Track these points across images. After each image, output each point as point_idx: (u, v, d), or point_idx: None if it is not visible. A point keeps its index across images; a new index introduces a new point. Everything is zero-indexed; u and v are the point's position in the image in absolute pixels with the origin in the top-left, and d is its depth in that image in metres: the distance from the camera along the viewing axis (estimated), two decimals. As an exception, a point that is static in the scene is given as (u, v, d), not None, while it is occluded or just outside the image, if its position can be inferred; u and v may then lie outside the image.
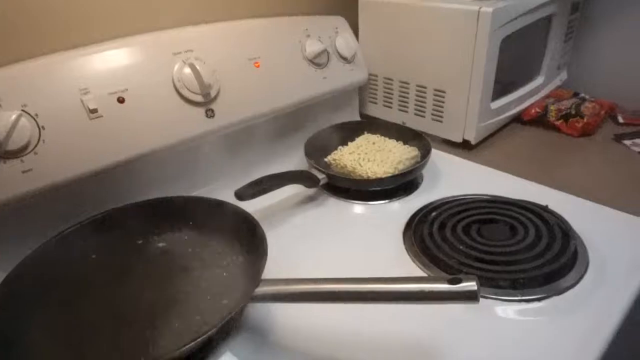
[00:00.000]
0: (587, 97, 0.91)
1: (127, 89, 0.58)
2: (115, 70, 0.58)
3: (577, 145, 0.82)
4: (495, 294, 0.49)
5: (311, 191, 0.70)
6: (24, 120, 0.51)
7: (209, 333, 0.39)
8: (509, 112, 0.86)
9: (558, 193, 0.66)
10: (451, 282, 0.37)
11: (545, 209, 0.61)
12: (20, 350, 0.42)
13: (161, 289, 0.50)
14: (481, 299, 0.48)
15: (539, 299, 0.49)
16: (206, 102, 0.64)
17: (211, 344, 0.45)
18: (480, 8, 0.69)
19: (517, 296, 0.49)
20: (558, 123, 0.86)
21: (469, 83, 0.76)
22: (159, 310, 0.47)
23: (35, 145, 0.52)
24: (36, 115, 0.52)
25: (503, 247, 0.55)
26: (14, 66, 0.53)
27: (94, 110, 0.55)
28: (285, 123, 0.77)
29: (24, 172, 0.51)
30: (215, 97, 0.65)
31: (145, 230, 0.56)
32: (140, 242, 0.56)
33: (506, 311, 0.48)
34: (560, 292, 0.50)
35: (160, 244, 0.56)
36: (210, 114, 0.65)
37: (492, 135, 0.86)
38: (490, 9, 0.69)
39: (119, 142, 0.57)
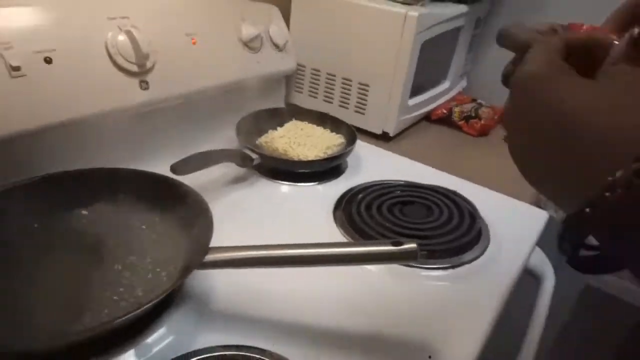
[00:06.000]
0: (483, 102, 1.05)
1: (55, 50, 0.54)
2: (43, 28, 0.53)
3: (476, 143, 0.94)
4: (416, 263, 0.56)
5: (242, 172, 0.71)
6: None
7: (155, 301, 0.39)
8: (421, 110, 0.96)
9: (464, 181, 0.75)
10: (394, 244, 0.41)
11: (455, 193, 0.69)
12: None
13: (95, 260, 0.48)
14: (402, 267, 0.55)
15: (451, 267, 0.56)
16: (141, 72, 0.62)
17: (148, 318, 0.44)
18: (407, 12, 0.77)
19: (433, 265, 0.56)
20: (461, 123, 0.97)
21: (392, 79, 0.83)
22: (94, 279, 0.45)
23: (-54, 100, 0.47)
24: (-52, 67, 0.47)
25: (422, 225, 0.62)
26: None
27: (17, 68, 0.51)
28: (216, 103, 0.77)
29: None
30: (151, 69, 0.63)
31: (75, 200, 0.53)
32: (71, 212, 0.53)
33: (422, 277, 0.55)
34: (467, 262, 0.58)
35: (91, 215, 0.53)
36: (144, 85, 0.63)
37: (406, 130, 0.94)
38: (415, 14, 0.76)
39: (45, 104, 0.53)
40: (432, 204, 0.66)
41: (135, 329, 0.42)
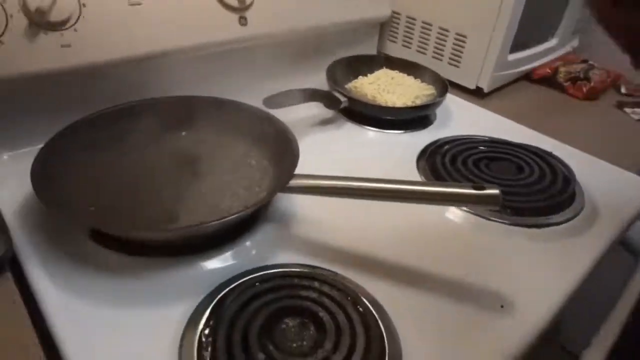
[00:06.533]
0: (596, 64, 0.95)
1: (167, -20, 0.58)
2: (158, -42, 0.57)
3: (581, 107, 0.87)
4: (501, 218, 0.54)
5: (329, 114, 0.72)
6: (67, -7, 0.50)
7: (246, 211, 0.42)
8: (522, 67, 0.89)
9: (562, 144, 0.70)
10: (476, 188, 0.40)
11: (550, 154, 0.65)
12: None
13: (192, 174, 0.53)
14: (486, 221, 0.54)
15: (536, 226, 0.54)
16: (241, 8, 0.64)
17: (235, 231, 0.47)
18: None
19: (518, 222, 0.54)
20: (566, 84, 0.89)
21: (492, 31, 0.77)
22: (192, 190, 0.50)
23: (76, 21, 0.52)
24: (79, -10, 0.52)
25: (510, 181, 0.59)
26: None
27: (135, -4, 0.55)
28: (309, 45, 0.78)
29: (62, 46, 0.52)
30: (250, 5, 0.65)
31: (180, 123, 0.58)
32: (177, 134, 0.58)
33: (506, 232, 0.53)
34: (555, 224, 0.54)
35: (193, 136, 0.58)
36: (243, 21, 0.65)
37: (502, 87, 0.89)
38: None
39: (155, 32, 0.58)
40: (522, 162, 0.63)
41: (222, 239, 0.46)
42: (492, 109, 0.80)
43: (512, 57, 0.84)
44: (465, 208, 0.55)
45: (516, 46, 0.83)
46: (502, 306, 0.43)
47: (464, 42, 0.83)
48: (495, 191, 0.40)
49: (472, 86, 0.84)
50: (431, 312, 0.42)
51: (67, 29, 0.52)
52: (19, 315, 0.38)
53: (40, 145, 0.47)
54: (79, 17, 0.52)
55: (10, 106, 0.53)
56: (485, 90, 0.83)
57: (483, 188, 0.41)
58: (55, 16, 0.50)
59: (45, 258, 0.43)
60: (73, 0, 0.51)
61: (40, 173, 0.44)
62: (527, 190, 0.58)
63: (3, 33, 0.47)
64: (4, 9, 0.47)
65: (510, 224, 0.54)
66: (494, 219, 0.54)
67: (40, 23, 0.49)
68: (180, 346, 0.36)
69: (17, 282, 0.41)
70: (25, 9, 0.48)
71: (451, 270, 0.46)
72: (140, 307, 0.40)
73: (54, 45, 0.51)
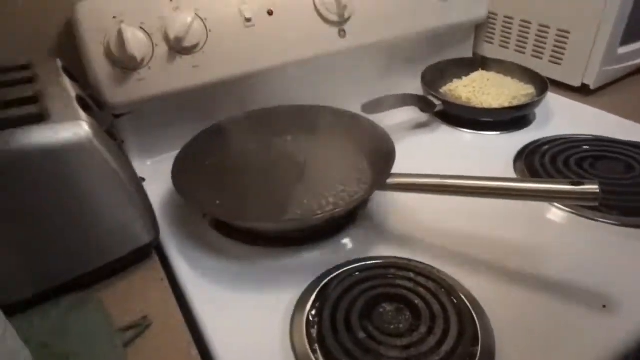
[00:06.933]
0: None
1: (275, 3, 0.65)
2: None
3: None
4: (607, 219, 0.52)
5: (425, 117, 0.74)
6: (197, 22, 0.60)
7: (347, 207, 0.47)
8: (636, 60, 0.83)
9: (681, 142, 0.65)
10: (573, 184, 0.41)
11: (665, 152, 0.61)
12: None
13: (297, 174, 0.59)
14: (590, 221, 0.52)
15: (644, 228, 0.51)
16: (340, 22, 0.70)
17: (336, 226, 0.52)
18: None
19: (628, 224, 0.52)
20: (690, 76, 0.82)
21: (599, 21, 0.74)
22: (297, 189, 0.56)
23: (204, 45, 0.61)
24: (205, 19, 0.61)
25: (617, 180, 0.57)
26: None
27: (249, 20, 0.63)
28: (405, 51, 0.81)
29: (193, 67, 0.61)
30: (348, 19, 0.70)
31: (287, 129, 0.65)
32: (285, 138, 0.66)
33: (612, 232, 0.51)
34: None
35: (295, 142, 0.65)
36: (342, 34, 0.71)
37: (613, 83, 0.84)
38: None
39: (266, 50, 0.65)
40: (632, 160, 0.60)
41: (325, 233, 0.51)
42: (600, 107, 0.76)
43: (623, 49, 0.79)
44: (567, 208, 0.54)
45: (628, 37, 0.78)
46: (604, 306, 0.43)
47: (566, 37, 0.80)
48: (595, 186, 0.40)
49: (577, 83, 0.81)
50: (528, 309, 0.43)
51: (196, 52, 0.61)
52: (165, 290, 0.47)
53: (177, 152, 0.57)
54: (206, 40, 0.61)
55: (151, 121, 0.64)
56: (592, 87, 0.79)
57: (581, 183, 0.41)
58: (188, 41, 0.59)
59: (181, 245, 0.52)
60: (201, 26, 0.60)
61: (178, 174, 0.53)
62: (637, 189, 0.55)
63: (150, 59, 0.58)
64: (152, 40, 0.57)
65: (618, 224, 0.52)
66: (600, 219, 0.53)
67: (178, 49, 0.59)
68: (292, 324, 0.42)
69: (162, 264, 0.50)
70: (166, 37, 0.59)
71: (551, 270, 0.47)
72: (257, 290, 0.47)
73: (187, 66, 0.61)
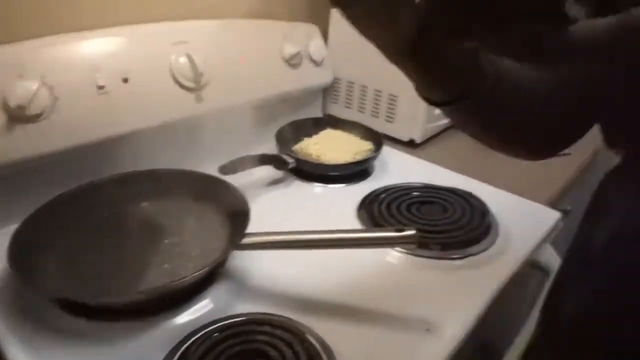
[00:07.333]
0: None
1: (131, 70, 0.67)
2: (122, 53, 0.67)
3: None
4: (430, 255, 0.63)
5: (279, 174, 0.81)
6: (43, 90, 0.58)
7: (202, 271, 0.50)
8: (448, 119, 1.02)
9: (481, 184, 0.81)
10: (397, 230, 0.50)
11: (470, 194, 0.76)
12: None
13: (152, 240, 0.60)
14: (419, 259, 0.63)
15: (460, 258, 0.63)
16: (197, 88, 0.74)
17: (194, 289, 0.54)
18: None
19: (445, 256, 0.64)
20: (487, 131, 1.03)
21: (417, 91, 0.90)
22: (152, 254, 0.57)
23: (50, 113, 0.60)
24: (53, 86, 0.60)
25: (437, 221, 0.69)
26: (36, 40, 0.61)
27: (102, 87, 0.64)
28: (259, 114, 0.88)
29: (38, 135, 0.59)
30: (205, 85, 0.75)
31: (139, 194, 0.66)
32: (139, 204, 0.66)
33: (435, 266, 0.62)
34: (474, 254, 0.64)
35: (151, 206, 0.66)
36: (199, 99, 0.75)
37: (433, 137, 1.01)
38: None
39: (121, 116, 0.66)
40: (448, 203, 0.73)
41: (182, 299, 0.53)
42: (424, 158, 0.91)
43: (438, 110, 0.97)
44: (403, 250, 0.64)
45: (441, 101, 0.96)
46: (427, 330, 0.52)
47: (395, 100, 0.95)
48: (412, 232, 0.50)
49: (406, 138, 0.96)
50: (369, 341, 0.50)
51: (42, 120, 0.59)
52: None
53: (17, 225, 0.54)
54: (53, 109, 0.60)
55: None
56: (417, 141, 0.95)
57: (402, 230, 0.50)
58: (32, 110, 0.58)
59: (18, 329, 0.48)
60: (48, 94, 0.59)
61: (15, 250, 0.50)
62: (451, 227, 0.68)
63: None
64: (-14, 108, 0.55)
65: (437, 258, 0.63)
66: (425, 255, 0.63)
67: (20, 117, 0.57)
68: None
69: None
70: (5, 106, 0.56)
71: (387, 305, 0.55)
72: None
73: (30, 135, 0.59)
